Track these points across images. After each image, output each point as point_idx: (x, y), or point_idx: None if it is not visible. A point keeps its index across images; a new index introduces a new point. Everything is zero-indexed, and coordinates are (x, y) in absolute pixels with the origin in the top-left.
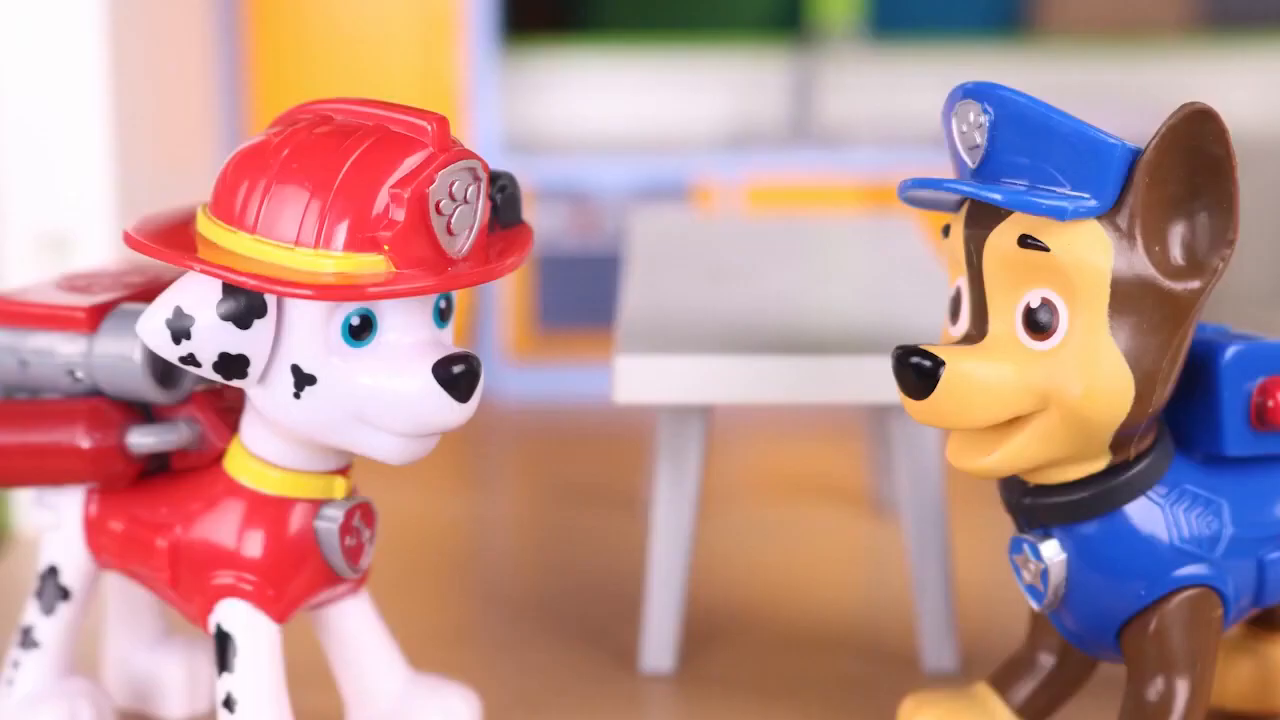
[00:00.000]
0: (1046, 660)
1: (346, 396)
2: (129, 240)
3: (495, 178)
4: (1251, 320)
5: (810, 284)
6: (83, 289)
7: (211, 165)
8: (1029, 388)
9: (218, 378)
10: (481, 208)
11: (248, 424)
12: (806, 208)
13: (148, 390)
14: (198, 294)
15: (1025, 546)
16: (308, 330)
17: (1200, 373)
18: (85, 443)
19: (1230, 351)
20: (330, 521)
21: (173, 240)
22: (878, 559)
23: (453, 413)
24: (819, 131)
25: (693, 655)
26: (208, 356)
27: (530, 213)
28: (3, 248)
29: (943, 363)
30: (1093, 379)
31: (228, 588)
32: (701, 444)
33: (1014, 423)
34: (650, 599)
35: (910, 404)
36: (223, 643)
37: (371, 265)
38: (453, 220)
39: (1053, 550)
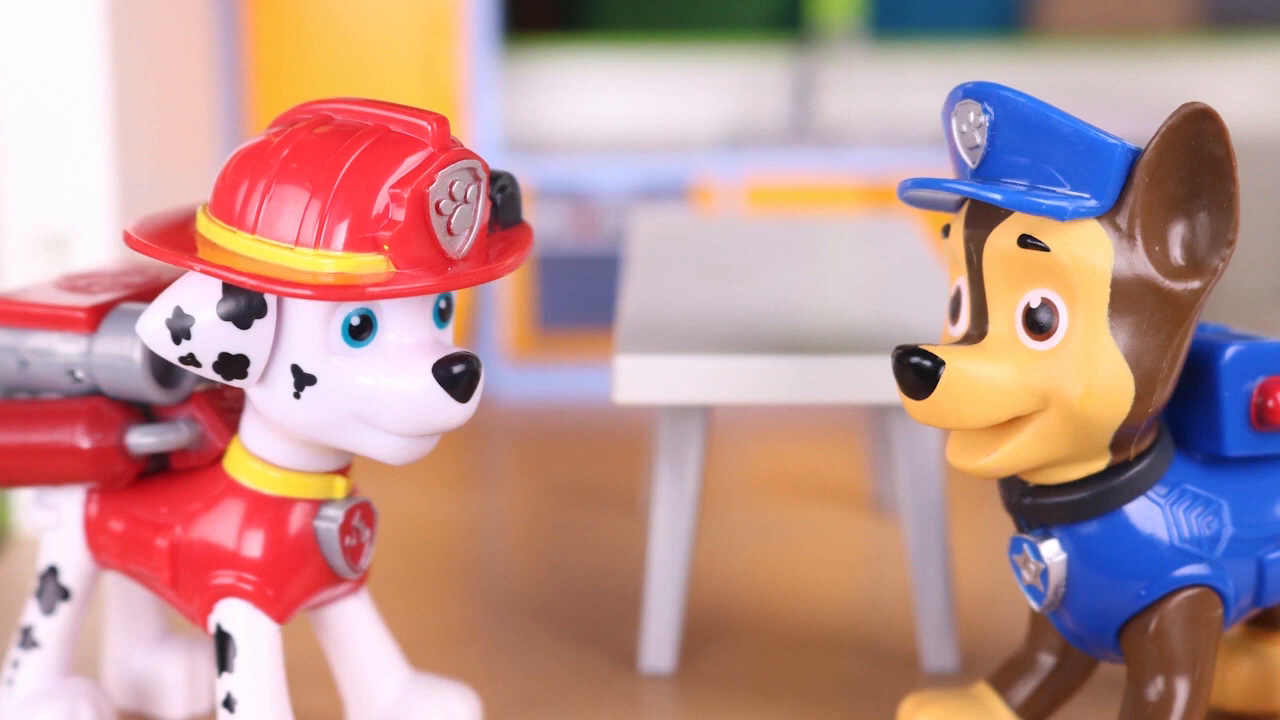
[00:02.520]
0: (1046, 660)
1: (346, 396)
2: (129, 240)
3: (495, 178)
4: (1251, 320)
5: (810, 284)
6: (83, 289)
7: (211, 165)
8: (1029, 388)
9: (218, 378)
10: (481, 208)
11: (248, 424)
12: (806, 208)
13: (148, 390)
14: (198, 294)
15: (1025, 546)
16: (308, 330)
17: (1200, 373)
18: (85, 443)
19: (1230, 351)
20: (330, 521)
21: (173, 240)
22: (878, 559)
23: (453, 413)
24: (819, 131)
25: (693, 655)
26: (208, 356)
27: (530, 213)
28: (3, 248)
29: (943, 362)
30: (1093, 379)
31: (228, 588)
32: (701, 444)
33: (1014, 423)
34: (650, 599)
35: (910, 404)
36: (223, 643)
37: (371, 265)
38: (453, 220)
39: (1053, 550)
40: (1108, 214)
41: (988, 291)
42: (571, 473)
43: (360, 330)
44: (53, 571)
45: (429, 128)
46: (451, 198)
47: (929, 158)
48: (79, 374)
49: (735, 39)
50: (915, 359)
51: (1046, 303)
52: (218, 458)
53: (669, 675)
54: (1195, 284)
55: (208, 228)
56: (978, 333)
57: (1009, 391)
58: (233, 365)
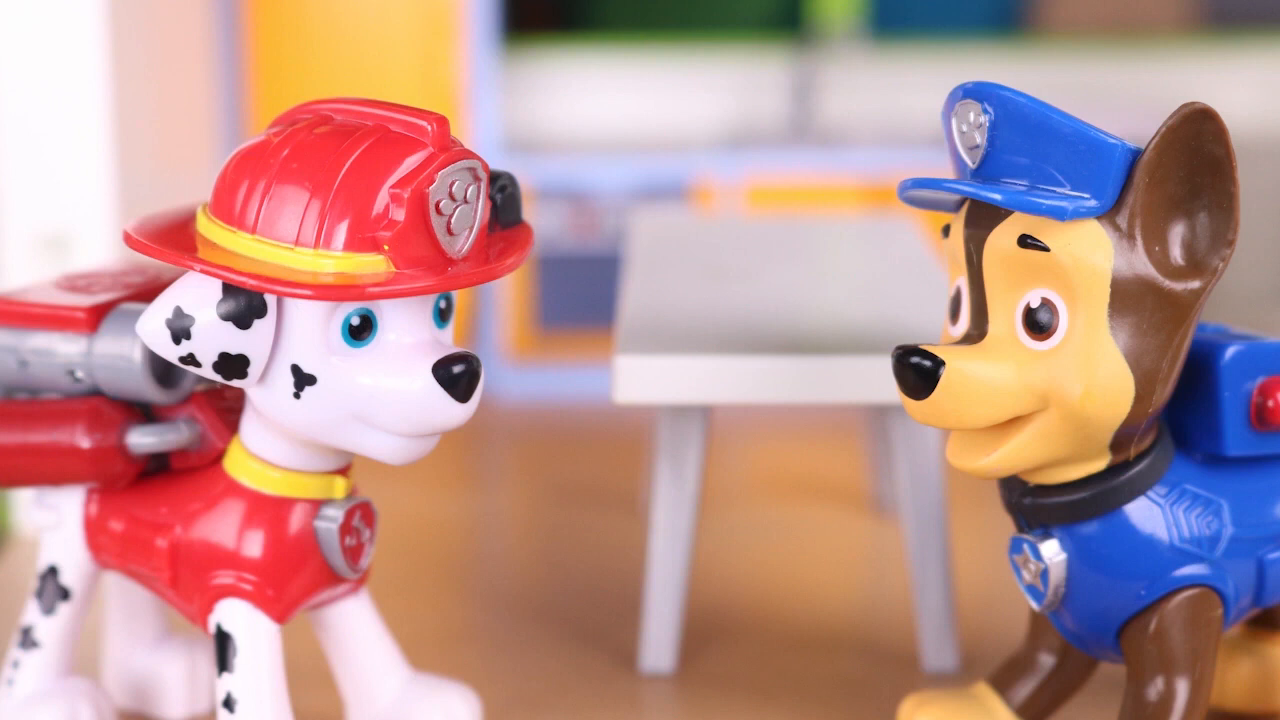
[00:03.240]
0: (1046, 660)
1: (346, 396)
2: (129, 240)
3: (495, 178)
4: (1251, 320)
5: (810, 284)
6: (83, 289)
7: (211, 165)
8: (1029, 388)
9: (218, 378)
10: (481, 208)
11: (248, 424)
12: (806, 208)
13: (148, 390)
14: (198, 294)
15: (1025, 546)
16: (308, 330)
17: (1200, 373)
18: (85, 443)
19: (1230, 351)
20: (330, 521)
21: (173, 240)
22: (878, 559)
23: (453, 413)
24: (819, 131)
25: (693, 655)
26: (208, 356)
27: (530, 213)
28: (3, 248)
29: (943, 362)
30: (1093, 379)
31: (228, 588)
32: (701, 444)
33: (1014, 423)
34: (650, 599)
35: (910, 404)
36: (223, 643)
37: (371, 265)
38: (453, 220)
39: (1053, 550)
40: (1108, 214)
41: (988, 291)
42: (571, 473)
43: (360, 330)
44: (53, 571)
45: (429, 128)
46: (451, 198)
47: (929, 158)
48: (79, 374)
49: (735, 39)
50: (915, 359)
51: (1046, 303)
52: (218, 458)
53: (669, 675)
54: (1195, 284)
55: (208, 228)
56: (978, 333)
57: (1009, 391)
58: (233, 365)
